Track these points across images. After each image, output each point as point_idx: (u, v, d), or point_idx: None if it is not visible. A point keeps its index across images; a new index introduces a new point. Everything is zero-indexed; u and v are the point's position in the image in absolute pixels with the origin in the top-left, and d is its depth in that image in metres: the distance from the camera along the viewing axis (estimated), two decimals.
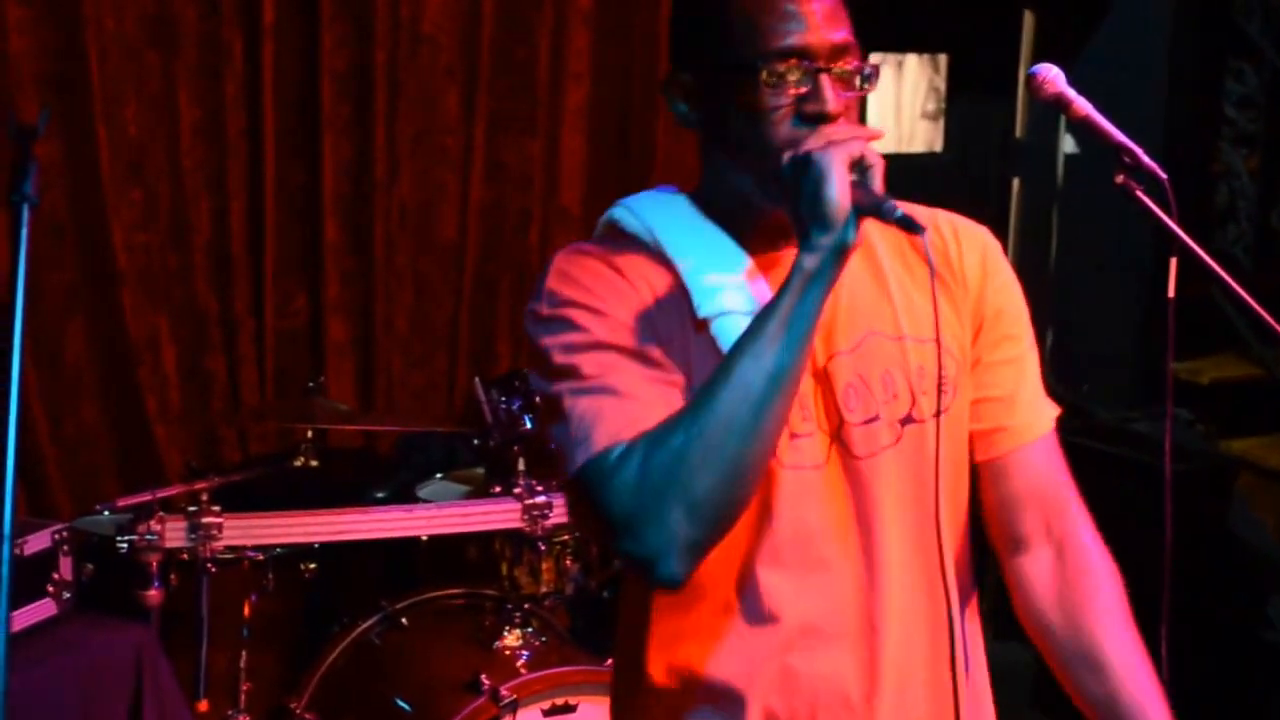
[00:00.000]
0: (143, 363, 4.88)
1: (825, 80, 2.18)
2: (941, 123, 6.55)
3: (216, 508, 4.04)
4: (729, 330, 2.21)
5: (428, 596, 4.49)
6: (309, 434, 4.60)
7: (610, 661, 4.26)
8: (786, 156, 2.11)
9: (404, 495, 4.66)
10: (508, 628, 4.31)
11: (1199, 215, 6.21)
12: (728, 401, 2.05)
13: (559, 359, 2.20)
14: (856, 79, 2.23)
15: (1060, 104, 2.82)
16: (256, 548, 4.18)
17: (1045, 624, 2.48)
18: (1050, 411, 2.51)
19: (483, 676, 4.07)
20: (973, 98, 6.56)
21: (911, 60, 6.44)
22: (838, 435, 2.28)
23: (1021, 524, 2.48)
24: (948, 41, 6.52)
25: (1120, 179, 2.76)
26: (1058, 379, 6.65)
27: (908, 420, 2.32)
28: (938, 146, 6.55)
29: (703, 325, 2.24)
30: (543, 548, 4.34)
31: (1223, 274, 2.64)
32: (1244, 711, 5.80)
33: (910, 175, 6.39)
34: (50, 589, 4.08)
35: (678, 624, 2.30)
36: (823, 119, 2.16)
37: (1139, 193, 2.78)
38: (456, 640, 4.36)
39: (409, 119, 5.22)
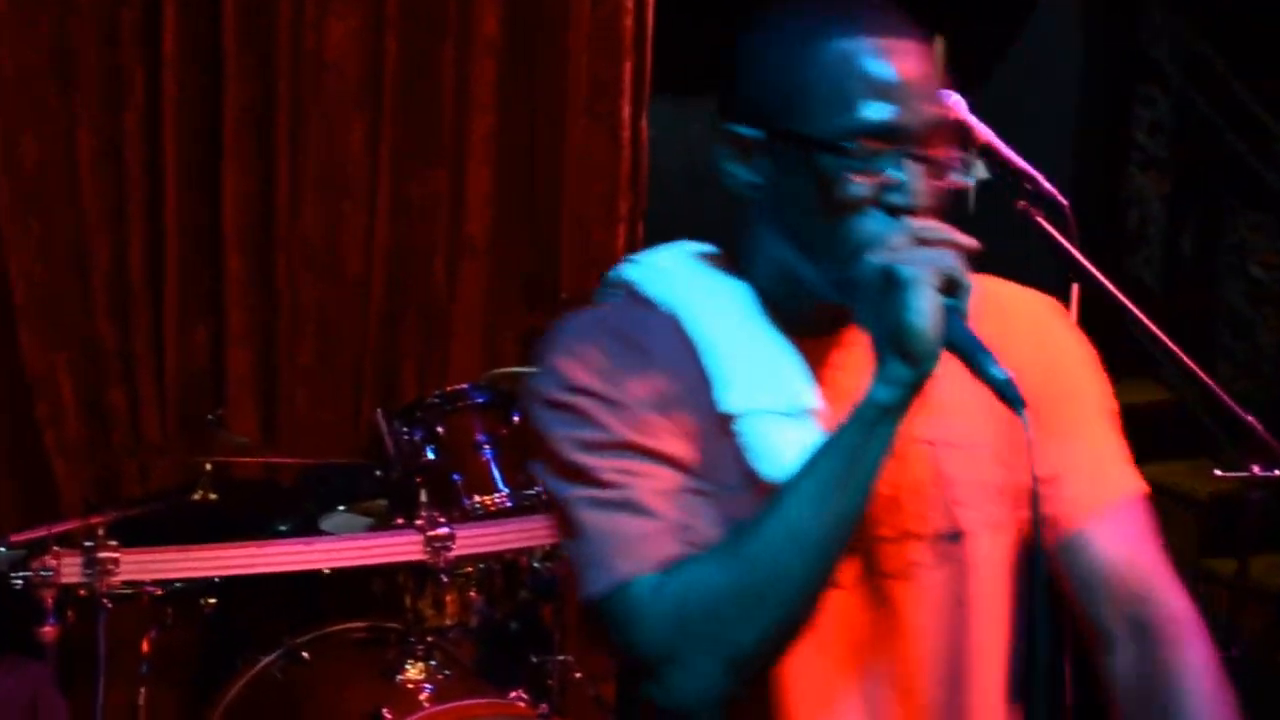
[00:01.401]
0: (41, 397, 4.92)
1: (915, 167, 1.91)
2: None
3: (113, 542, 3.98)
4: (758, 432, 1.99)
5: (330, 630, 4.46)
6: (208, 467, 4.58)
7: (515, 693, 4.29)
8: (872, 259, 1.86)
9: (306, 528, 4.64)
10: (410, 661, 4.27)
11: (1110, 239, 6.26)
12: (780, 549, 1.85)
13: (573, 457, 1.96)
14: (949, 169, 1.96)
15: (960, 131, 2.82)
16: (155, 583, 4.14)
17: None
18: (1120, 482, 2.19)
19: (385, 711, 4.04)
20: None
21: None
22: (865, 550, 2.02)
23: (1098, 617, 2.16)
24: None
25: (1021, 205, 2.77)
26: None
27: (958, 534, 2.07)
28: None
29: (726, 422, 2.00)
30: (446, 580, 4.31)
31: (1122, 298, 2.65)
32: None
33: None
34: None
35: None
36: (909, 212, 1.90)
37: (1038, 219, 2.79)
38: (359, 674, 4.33)
39: (312, 151, 5.28)
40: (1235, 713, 2.13)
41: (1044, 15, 6.33)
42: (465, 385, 4.77)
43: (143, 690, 4.33)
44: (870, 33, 1.94)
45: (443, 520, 4.24)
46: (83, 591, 4.00)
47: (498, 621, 4.64)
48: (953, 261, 1.83)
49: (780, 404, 2.00)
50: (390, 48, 5.31)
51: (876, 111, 1.90)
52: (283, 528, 4.64)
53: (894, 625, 2.04)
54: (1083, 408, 2.20)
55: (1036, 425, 1.99)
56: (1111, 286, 2.58)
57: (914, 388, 1.84)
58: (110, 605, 4.01)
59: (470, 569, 4.42)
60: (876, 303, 1.84)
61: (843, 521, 1.86)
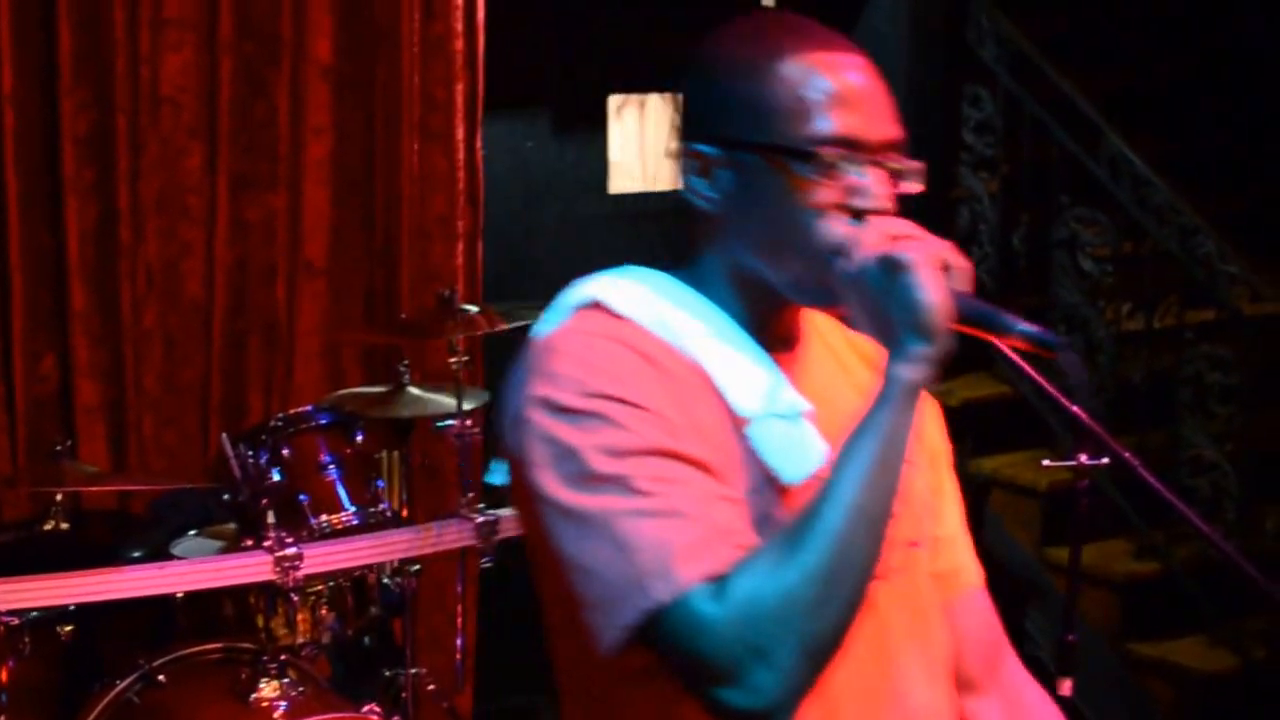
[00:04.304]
0: None
1: (876, 173, 2.07)
2: None
3: None
4: (769, 435, 2.10)
5: (185, 653, 4.59)
6: (58, 497, 4.72)
7: (368, 708, 4.47)
8: (871, 257, 1.99)
9: (159, 554, 4.70)
10: (265, 679, 4.45)
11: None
12: (844, 534, 1.90)
13: (601, 466, 1.96)
14: (903, 176, 2.11)
15: None
16: (10, 612, 4.22)
17: None
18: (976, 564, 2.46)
19: None
20: None
21: (653, 100, 6.64)
22: None
23: (968, 666, 2.40)
24: None
25: None
26: None
27: (913, 544, 2.25)
28: (682, 184, 6.68)
29: (741, 425, 2.10)
30: (296, 599, 4.49)
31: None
32: None
33: (657, 213, 6.66)
34: None
35: None
36: (872, 215, 2.06)
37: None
38: (215, 694, 4.50)
39: (152, 180, 5.39)
40: None
41: (872, 17, 6.55)
42: (308, 407, 4.95)
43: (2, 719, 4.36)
44: (823, 49, 2.10)
45: (290, 540, 4.38)
46: None
47: (350, 637, 4.82)
48: (943, 248, 2.01)
49: (781, 408, 2.11)
50: (225, 75, 5.43)
51: (837, 121, 2.06)
52: (136, 554, 4.68)
53: (879, 626, 2.15)
54: (948, 466, 2.44)
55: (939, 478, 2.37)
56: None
57: (934, 362, 1.97)
58: None
59: (320, 587, 4.57)
60: (877, 292, 1.98)
61: (889, 499, 1.95)
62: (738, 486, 2.05)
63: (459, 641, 5.35)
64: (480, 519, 4.76)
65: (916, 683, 2.22)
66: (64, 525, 4.76)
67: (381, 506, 4.84)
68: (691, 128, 2.17)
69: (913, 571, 2.25)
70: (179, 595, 4.59)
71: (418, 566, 4.94)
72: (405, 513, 5.06)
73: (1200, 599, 6.05)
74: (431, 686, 5.12)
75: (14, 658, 4.36)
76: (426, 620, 5.64)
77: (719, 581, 1.89)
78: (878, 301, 1.99)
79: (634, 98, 6.63)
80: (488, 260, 6.00)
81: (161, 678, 4.54)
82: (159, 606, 4.64)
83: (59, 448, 4.74)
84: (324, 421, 4.85)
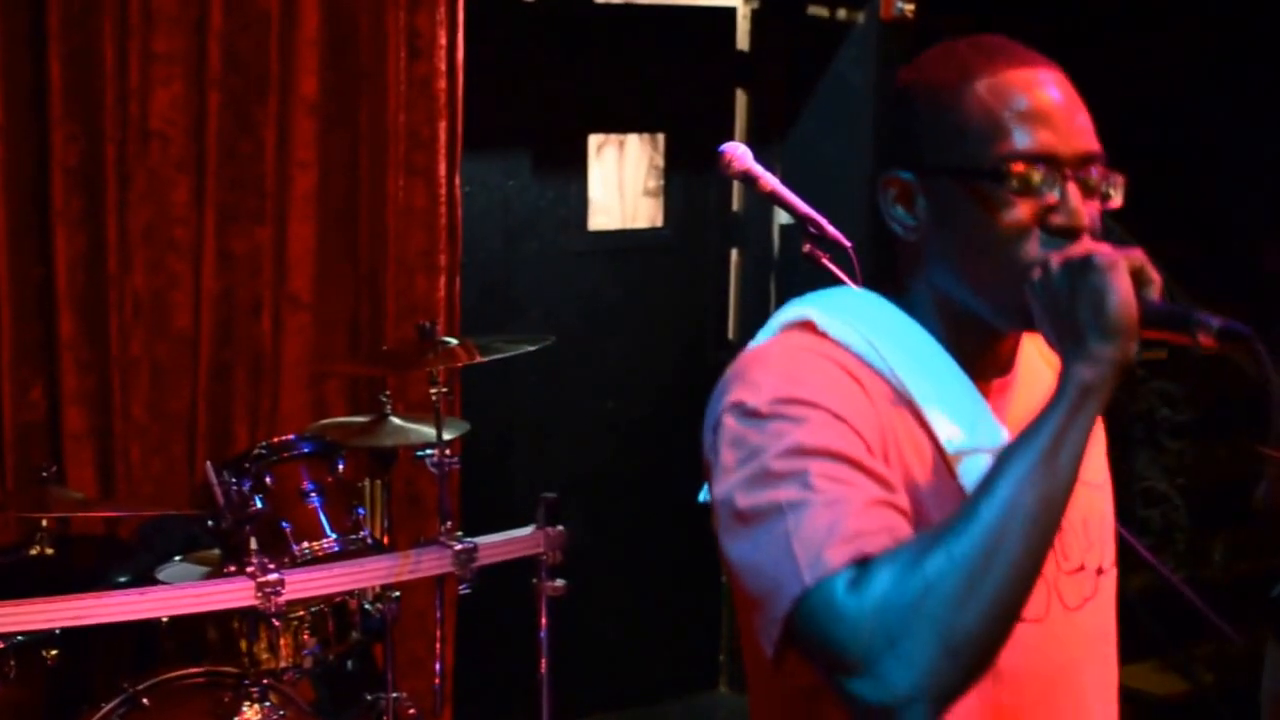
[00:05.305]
0: None
1: (1073, 189, 1.94)
2: (662, 199, 6.63)
3: None
4: (975, 470, 1.93)
5: (168, 676, 4.50)
6: (44, 523, 4.61)
7: None
8: (1059, 260, 1.87)
9: (144, 579, 4.65)
10: (247, 703, 4.38)
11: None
12: (996, 527, 1.75)
13: (779, 464, 1.86)
14: (1103, 189, 1.99)
15: (748, 180, 2.94)
16: None
17: None
18: None
19: None
20: (691, 174, 6.67)
21: (632, 140, 6.54)
22: (1054, 584, 2.04)
23: None
24: (665, 121, 6.62)
25: (807, 248, 2.88)
26: None
27: (1100, 570, 2.14)
28: (659, 222, 6.61)
29: (952, 462, 1.99)
30: (278, 624, 4.42)
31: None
32: None
33: (635, 250, 6.55)
34: None
35: None
36: (1072, 233, 1.93)
37: (823, 259, 2.91)
38: (198, 718, 4.43)
39: (140, 211, 5.27)
40: None
41: (841, 63, 6.46)
42: (291, 436, 4.89)
43: None
44: (1014, 65, 1.99)
45: (272, 566, 4.32)
46: None
47: (331, 662, 4.73)
48: (1138, 256, 1.87)
49: (985, 442, 2.00)
50: (213, 109, 5.31)
51: (1030, 137, 1.94)
52: (121, 579, 4.65)
53: (1067, 659, 2.07)
54: None
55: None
56: None
57: (1116, 365, 1.83)
58: None
59: (302, 612, 4.51)
60: (1063, 294, 1.86)
61: (1055, 500, 1.80)
62: (938, 514, 1.92)
63: (438, 666, 5.20)
64: (458, 546, 4.65)
65: (1094, 715, 2.13)
66: (49, 550, 4.65)
67: (362, 534, 4.77)
68: (889, 156, 2.06)
69: (1102, 599, 2.14)
70: (163, 620, 4.49)
71: (398, 593, 4.81)
72: (386, 540, 5.00)
73: (1151, 626, 5.96)
74: (411, 710, 5.02)
75: None
76: (406, 645, 5.56)
77: (862, 567, 1.77)
78: (1062, 303, 1.86)
79: (613, 137, 6.55)
80: (468, 294, 5.91)
81: (145, 701, 4.44)
82: (143, 631, 4.55)
83: (46, 474, 4.67)
84: (306, 450, 4.78)
